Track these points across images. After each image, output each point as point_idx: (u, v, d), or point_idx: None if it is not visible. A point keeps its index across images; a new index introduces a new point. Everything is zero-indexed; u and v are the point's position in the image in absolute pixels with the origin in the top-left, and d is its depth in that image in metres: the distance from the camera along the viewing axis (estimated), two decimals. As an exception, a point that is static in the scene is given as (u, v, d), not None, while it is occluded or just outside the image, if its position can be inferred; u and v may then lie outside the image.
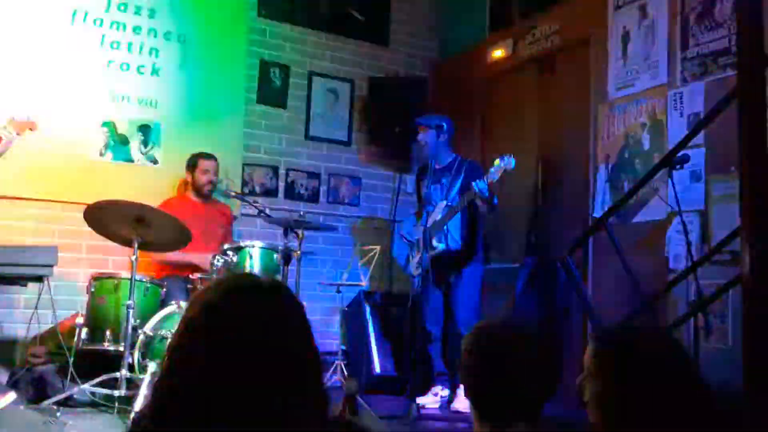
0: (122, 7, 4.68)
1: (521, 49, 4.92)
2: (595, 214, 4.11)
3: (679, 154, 3.24)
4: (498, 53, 5.07)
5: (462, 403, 3.91)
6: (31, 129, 3.68)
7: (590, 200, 4.23)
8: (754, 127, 1.78)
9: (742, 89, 1.89)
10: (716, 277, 3.15)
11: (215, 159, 4.50)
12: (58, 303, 4.11)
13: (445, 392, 4.15)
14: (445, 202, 4.15)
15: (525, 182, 4.63)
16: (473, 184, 3.86)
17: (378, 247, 4.90)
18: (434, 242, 4.14)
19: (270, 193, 5.18)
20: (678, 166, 3.26)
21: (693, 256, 3.16)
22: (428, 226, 4.06)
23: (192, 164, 4.47)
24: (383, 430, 3.41)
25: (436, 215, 4.11)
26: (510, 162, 3.82)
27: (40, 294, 3.93)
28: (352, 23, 5.57)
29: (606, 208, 3.92)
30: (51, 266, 3.50)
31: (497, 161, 3.83)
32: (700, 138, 3.41)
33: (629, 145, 4.04)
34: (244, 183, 5.09)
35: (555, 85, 4.68)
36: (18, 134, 3.65)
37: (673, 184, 3.21)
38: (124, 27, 4.72)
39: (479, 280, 4.30)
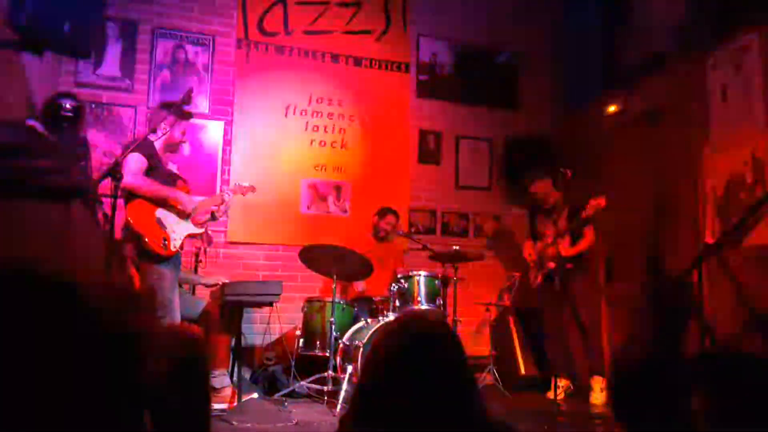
0: (319, 100, 5.59)
1: (632, 105, 5.11)
2: (706, 241, 4.17)
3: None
4: (612, 108, 5.31)
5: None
6: (252, 191, 4.26)
7: (701, 228, 4.27)
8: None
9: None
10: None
11: (397, 215, 5.25)
12: (283, 319, 4.97)
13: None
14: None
15: (641, 214, 4.80)
16: None
17: (518, 274, 5.40)
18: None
19: (430, 231, 5.81)
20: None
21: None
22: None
23: (382, 215, 5.17)
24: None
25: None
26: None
27: (270, 313, 4.80)
28: (488, 94, 6.11)
29: (715, 235, 4.08)
30: (278, 294, 4.00)
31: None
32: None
33: (733, 180, 4.12)
34: (410, 224, 5.74)
35: (663, 133, 4.73)
36: (242, 194, 4.22)
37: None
38: (322, 114, 5.62)
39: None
